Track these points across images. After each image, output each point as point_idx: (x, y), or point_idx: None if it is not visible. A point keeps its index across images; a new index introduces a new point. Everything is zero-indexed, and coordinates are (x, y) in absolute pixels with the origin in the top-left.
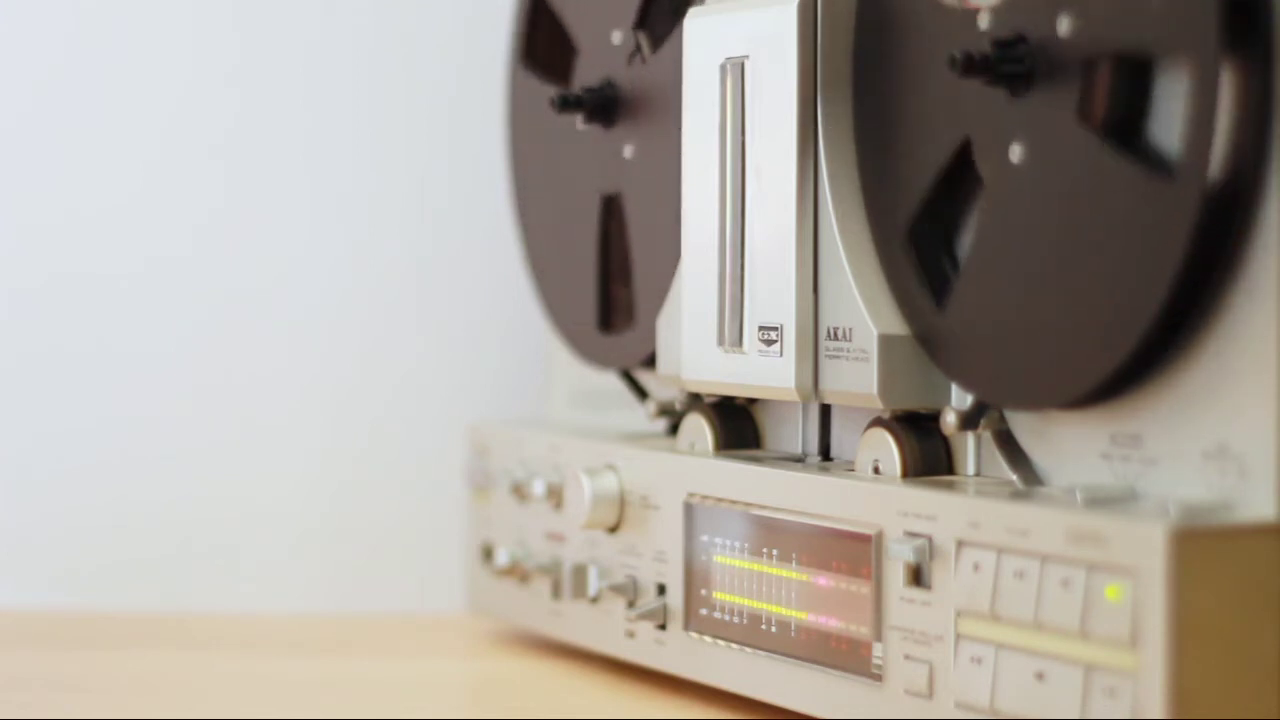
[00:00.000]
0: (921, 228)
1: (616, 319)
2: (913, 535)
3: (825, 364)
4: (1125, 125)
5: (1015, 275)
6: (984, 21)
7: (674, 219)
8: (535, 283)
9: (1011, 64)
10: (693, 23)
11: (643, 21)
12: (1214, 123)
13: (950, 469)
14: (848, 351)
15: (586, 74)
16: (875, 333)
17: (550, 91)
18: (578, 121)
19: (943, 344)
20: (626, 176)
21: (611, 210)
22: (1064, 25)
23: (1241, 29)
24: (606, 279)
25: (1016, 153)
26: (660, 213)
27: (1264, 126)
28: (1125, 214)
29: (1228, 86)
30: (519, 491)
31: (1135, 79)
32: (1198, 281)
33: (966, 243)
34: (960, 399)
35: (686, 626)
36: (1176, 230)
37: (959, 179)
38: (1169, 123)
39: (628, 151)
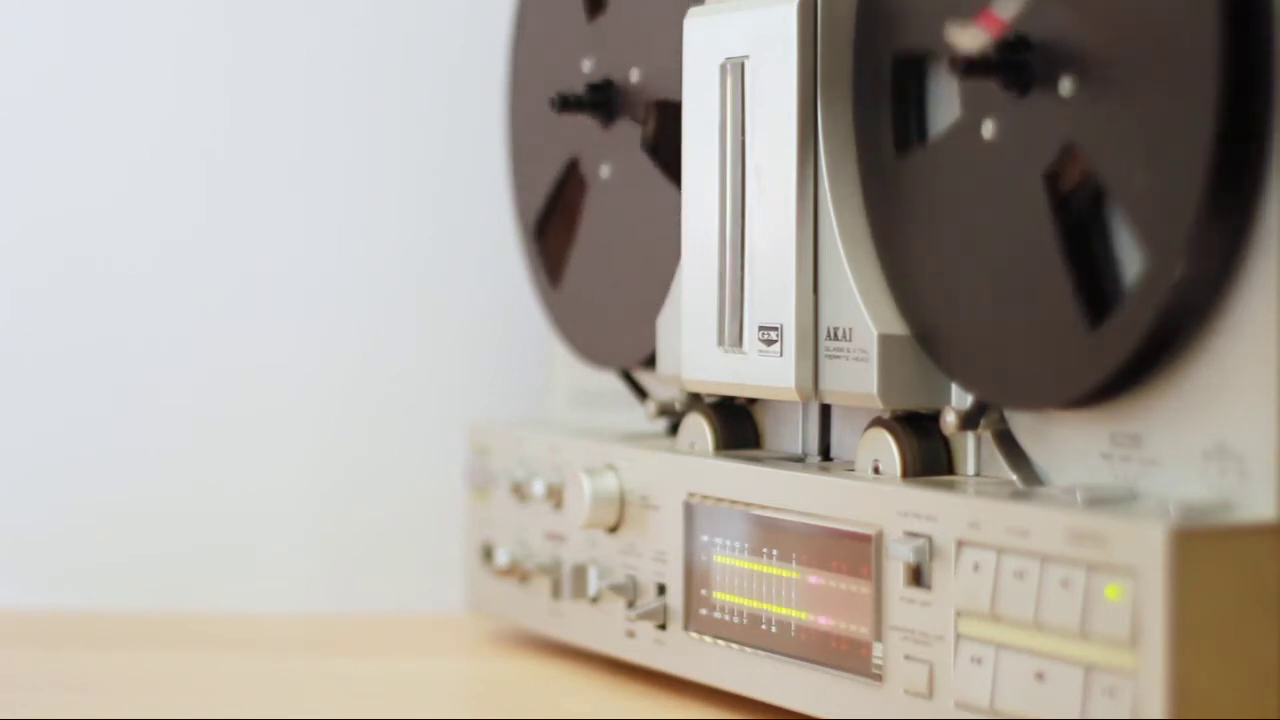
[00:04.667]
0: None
1: (552, 270)
2: (913, 535)
3: (825, 364)
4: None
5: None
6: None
7: (672, 216)
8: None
9: (1014, 66)
10: (693, 23)
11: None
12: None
13: (950, 469)
14: (848, 351)
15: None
16: (875, 333)
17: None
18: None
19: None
20: (623, 163)
21: (572, 174)
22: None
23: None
24: (545, 227)
25: (989, 129)
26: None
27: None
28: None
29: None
30: (519, 491)
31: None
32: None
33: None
34: (960, 399)
35: (686, 626)
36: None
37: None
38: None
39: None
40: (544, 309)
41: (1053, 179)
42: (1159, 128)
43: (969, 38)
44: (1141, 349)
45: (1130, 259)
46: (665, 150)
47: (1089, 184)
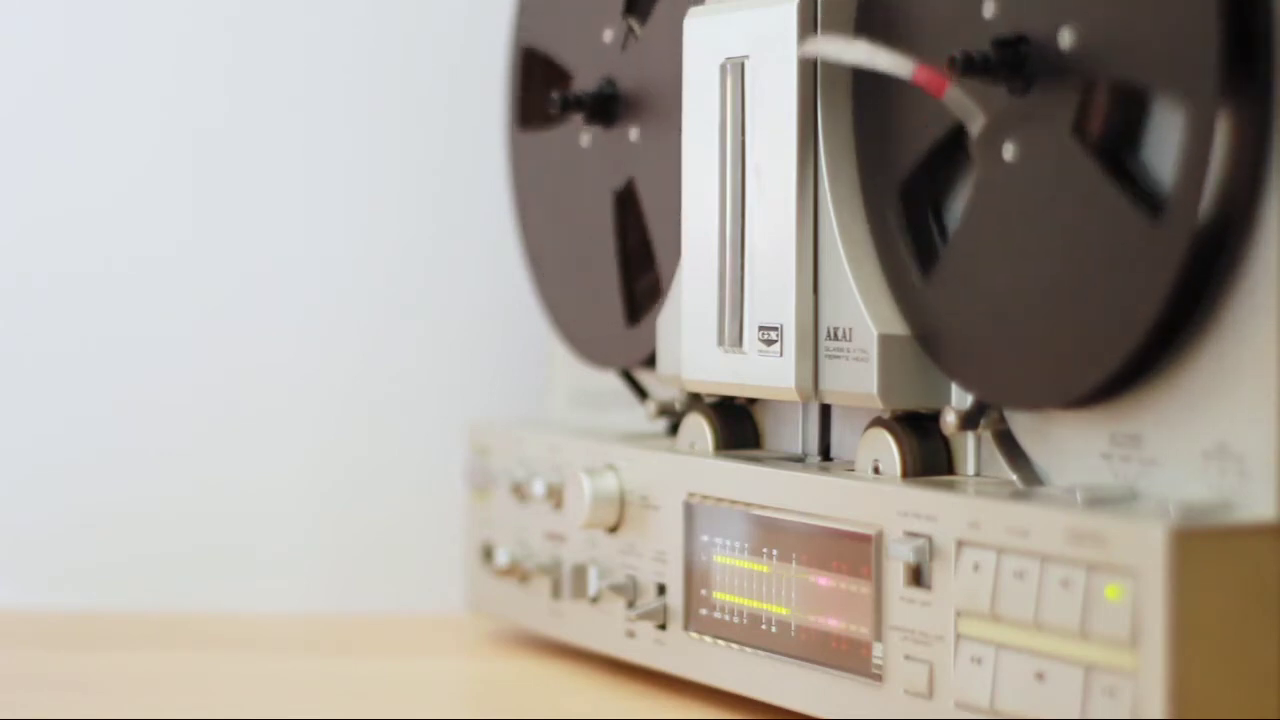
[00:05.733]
0: (913, 192)
1: (643, 307)
2: (913, 535)
3: (825, 364)
4: (1120, 140)
5: (1013, 273)
6: (988, 12)
7: (676, 212)
8: (535, 282)
9: (1011, 65)
10: (693, 23)
11: (631, 7)
12: (1209, 155)
13: (950, 469)
14: (848, 351)
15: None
16: (875, 333)
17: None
18: (580, 134)
19: (943, 344)
20: (635, 167)
21: (625, 203)
22: (1065, 38)
23: (1241, 71)
24: (629, 273)
25: (1010, 150)
26: (664, 205)
27: (1261, 156)
28: (1124, 214)
29: (1224, 120)
30: (519, 491)
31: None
32: (1198, 282)
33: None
34: (960, 399)
35: (686, 626)
36: (1175, 240)
37: (951, 160)
38: (1166, 135)
39: (633, 136)
40: (544, 309)
41: (1080, 130)
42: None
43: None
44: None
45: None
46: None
47: (1116, 111)
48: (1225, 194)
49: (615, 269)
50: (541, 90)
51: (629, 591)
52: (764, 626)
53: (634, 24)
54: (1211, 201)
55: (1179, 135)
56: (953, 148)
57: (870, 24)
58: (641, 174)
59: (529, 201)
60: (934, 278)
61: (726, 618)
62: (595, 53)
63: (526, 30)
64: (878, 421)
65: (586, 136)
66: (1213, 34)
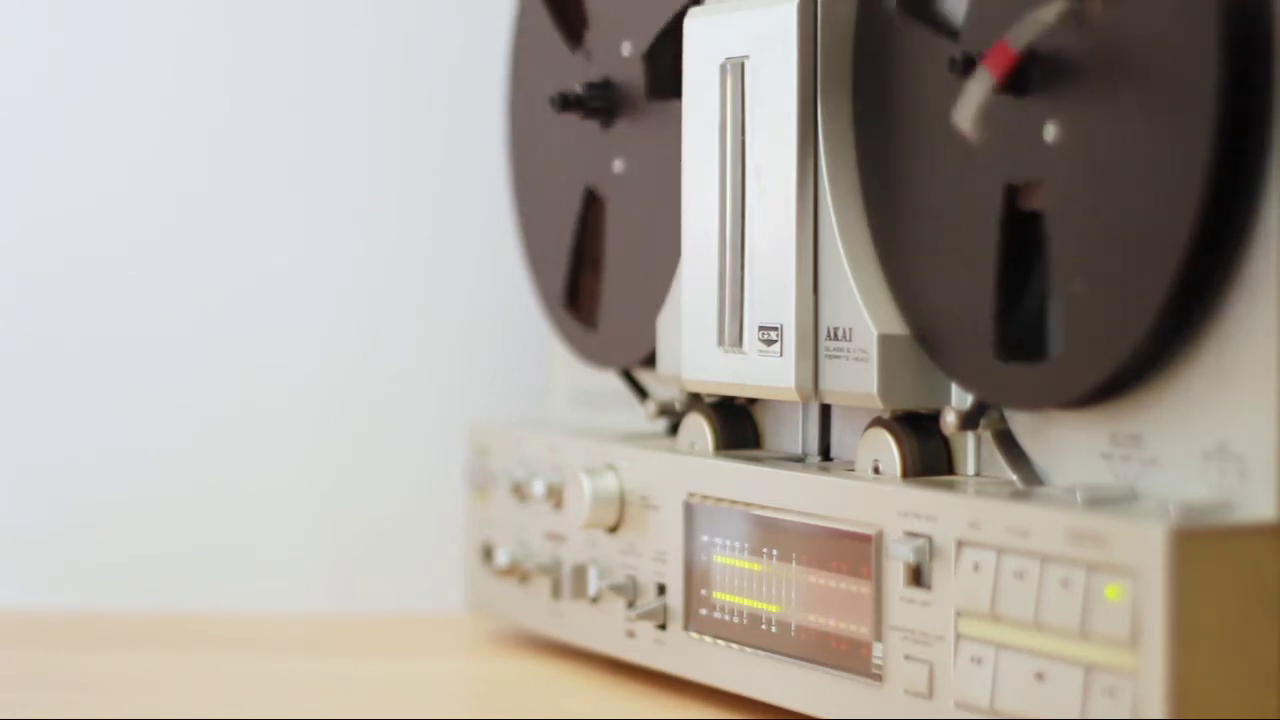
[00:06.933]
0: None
1: (582, 307)
2: (913, 535)
3: (825, 364)
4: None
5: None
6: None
7: (670, 219)
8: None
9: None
10: (693, 23)
11: (653, 55)
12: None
13: (950, 469)
14: (848, 351)
15: (593, 59)
16: (875, 333)
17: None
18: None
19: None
20: (616, 175)
21: (592, 202)
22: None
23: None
24: (578, 265)
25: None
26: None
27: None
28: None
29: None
30: (519, 491)
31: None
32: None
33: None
34: (960, 399)
35: (686, 626)
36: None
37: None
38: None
39: (620, 150)
40: (544, 309)
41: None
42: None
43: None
44: (1141, 349)
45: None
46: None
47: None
48: (1225, 194)
49: (566, 257)
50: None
51: (629, 591)
52: (764, 626)
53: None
54: (1211, 201)
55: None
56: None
57: (870, 25)
58: (614, 191)
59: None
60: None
61: (726, 618)
62: (599, 56)
63: None
64: (878, 421)
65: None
66: (1212, 39)
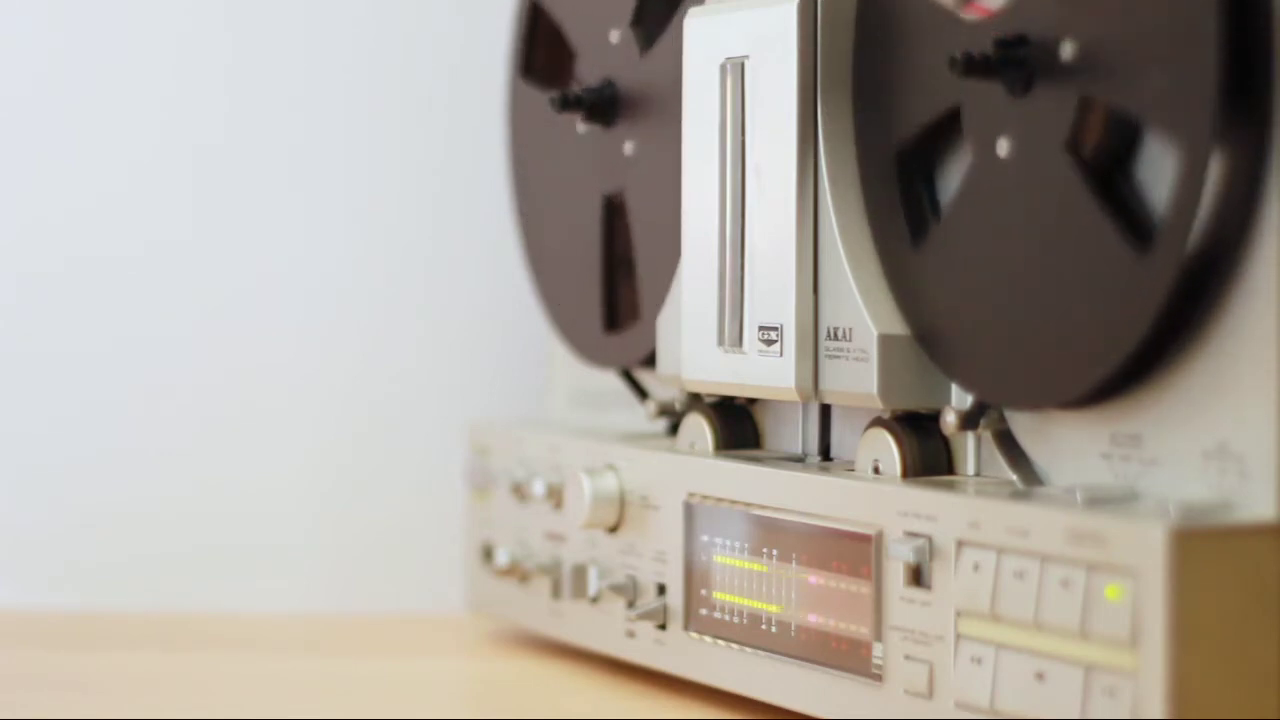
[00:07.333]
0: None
1: (623, 317)
2: (913, 535)
3: (825, 364)
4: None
5: (1010, 273)
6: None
7: (675, 217)
8: (535, 282)
9: (1013, 65)
10: (693, 23)
11: (638, 20)
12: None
13: (950, 469)
14: (848, 351)
15: (586, 74)
16: (875, 333)
17: (550, 97)
18: (578, 123)
19: (943, 344)
20: (627, 175)
21: (614, 210)
22: (1066, 49)
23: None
24: (611, 278)
25: (1004, 147)
26: (661, 211)
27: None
28: (1125, 214)
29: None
30: (519, 491)
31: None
32: (1198, 281)
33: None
34: (960, 399)
35: (686, 626)
36: (1177, 231)
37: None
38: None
39: (628, 149)
40: (544, 309)
41: (1074, 145)
42: (1166, 43)
43: None
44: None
45: (1130, 257)
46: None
47: (1111, 132)
48: (1226, 197)
49: (599, 275)
50: (545, 49)
51: (629, 591)
52: (764, 626)
53: (639, 36)
54: (1211, 203)
55: (1176, 148)
56: (952, 134)
57: (870, 24)
58: (633, 186)
59: (526, 192)
60: (927, 257)
61: (726, 618)
62: (600, 47)
63: None
64: (878, 421)
65: (584, 126)
66: (1211, 69)
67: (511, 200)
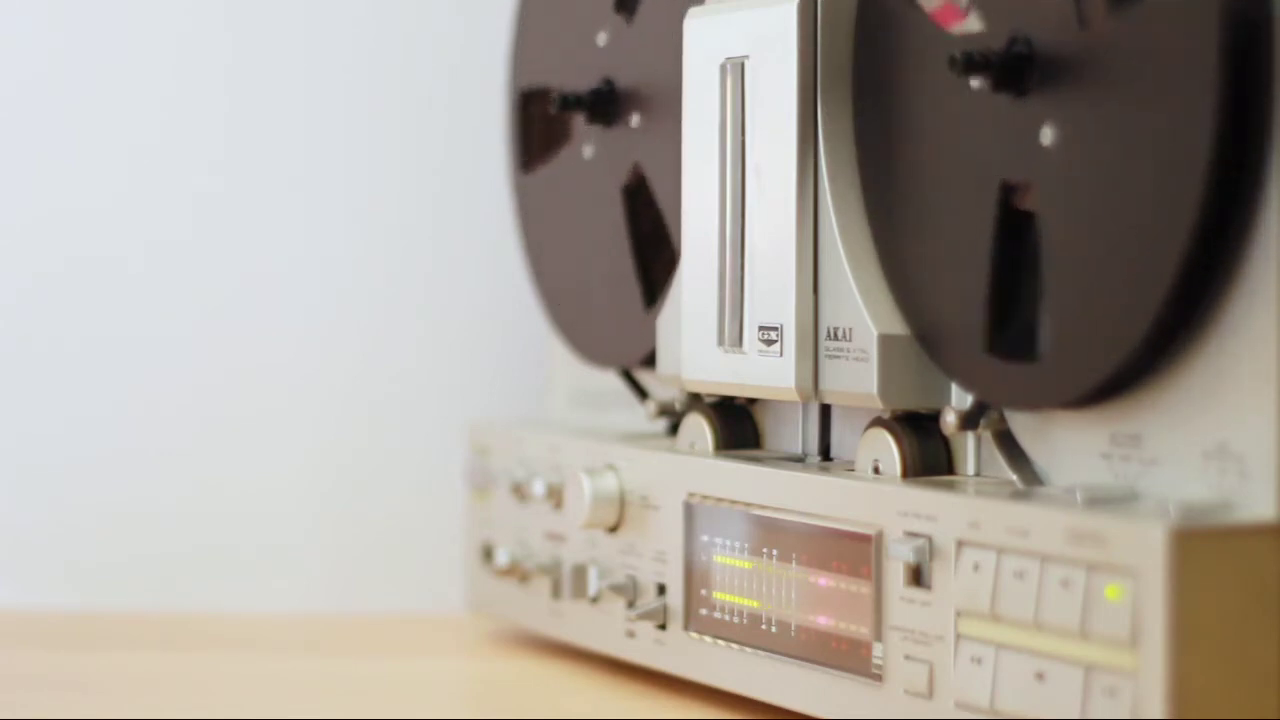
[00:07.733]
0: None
1: (662, 283)
2: (913, 535)
3: (825, 364)
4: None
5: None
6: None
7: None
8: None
9: (1015, 62)
10: (693, 23)
11: (620, 5)
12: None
13: (950, 469)
14: (848, 351)
15: (587, 71)
16: (875, 333)
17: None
18: (581, 140)
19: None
20: (640, 153)
21: (635, 195)
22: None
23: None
24: (644, 259)
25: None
26: (673, 184)
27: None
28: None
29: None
30: (519, 491)
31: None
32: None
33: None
34: (960, 399)
35: (686, 626)
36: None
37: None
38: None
39: (634, 122)
40: (544, 309)
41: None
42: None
43: None
44: (1141, 349)
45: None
46: None
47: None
48: (1224, 195)
49: (630, 259)
50: (542, 130)
51: (629, 591)
52: (764, 626)
53: (625, 19)
54: (1211, 201)
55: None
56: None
57: (870, 25)
58: (647, 159)
59: (528, 200)
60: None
61: (726, 618)
62: (591, 60)
63: (524, 73)
64: (878, 421)
65: (589, 148)
66: (1213, 41)
67: (511, 199)
